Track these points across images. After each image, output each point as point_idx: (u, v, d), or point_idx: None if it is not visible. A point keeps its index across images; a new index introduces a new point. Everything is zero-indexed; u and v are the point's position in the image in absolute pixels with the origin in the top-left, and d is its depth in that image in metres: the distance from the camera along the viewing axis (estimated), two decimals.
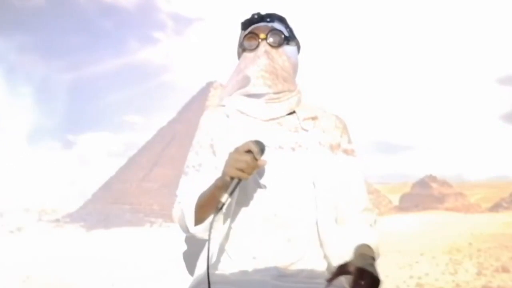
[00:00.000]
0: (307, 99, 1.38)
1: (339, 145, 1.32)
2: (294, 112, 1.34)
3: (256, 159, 1.15)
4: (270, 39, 1.30)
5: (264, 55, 1.29)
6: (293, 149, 1.28)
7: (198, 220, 1.23)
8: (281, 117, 1.31)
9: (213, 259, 1.25)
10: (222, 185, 1.17)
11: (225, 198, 1.14)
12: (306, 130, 1.31)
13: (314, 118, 1.33)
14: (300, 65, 1.39)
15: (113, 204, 55.52)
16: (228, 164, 1.15)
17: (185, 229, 1.28)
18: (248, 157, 1.14)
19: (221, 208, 1.15)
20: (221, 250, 1.26)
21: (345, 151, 1.33)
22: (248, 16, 1.37)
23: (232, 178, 1.14)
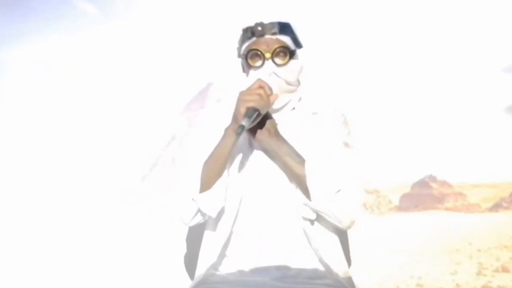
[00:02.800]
0: (309, 93, 1.37)
1: (339, 140, 1.30)
2: (294, 108, 1.33)
3: (268, 95, 1.18)
4: (276, 58, 1.26)
5: (270, 76, 1.26)
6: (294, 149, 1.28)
7: (205, 186, 1.21)
8: (282, 114, 1.30)
9: (213, 261, 1.25)
10: (232, 130, 1.17)
11: (245, 121, 1.14)
12: (307, 126, 1.30)
13: (314, 113, 1.32)
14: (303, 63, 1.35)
15: (113, 204, 55.45)
16: (241, 98, 1.17)
17: (187, 208, 1.23)
18: (261, 91, 1.17)
19: (240, 133, 1.14)
20: (222, 254, 1.26)
21: (345, 145, 1.31)
22: (250, 20, 1.31)
23: (248, 109, 1.16)
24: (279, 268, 1.23)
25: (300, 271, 1.23)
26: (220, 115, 1.32)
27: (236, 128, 1.16)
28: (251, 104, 1.16)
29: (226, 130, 1.20)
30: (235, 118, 1.18)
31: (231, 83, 1.42)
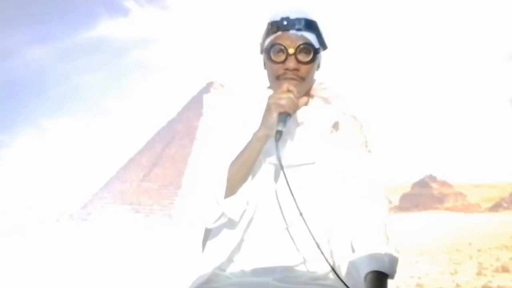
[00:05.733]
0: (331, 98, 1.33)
1: (356, 147, 1.29)
2: (307, 105, 1.31)
3: (297, 97, 1.18)
4: (299, 55, 1.22)
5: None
6: (311, 161, 1.26)
7: (230, 190, 1.20)
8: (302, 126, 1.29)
9: (219, 263, 1.25)
10: (264, 135, 1.18)
11: (281, 126, 1.15)
12: (325, 138, 1.28)
13: (335, 125, 1.29)
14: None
15: (113, 204, 55.45)
16: (272, 103, 1.17)
17: (211, 212, 1.21)
18: (290, 94, 1.17)
19: (279, 139, 1.15)
20: (230, 260, 1.26)
21: (362, 154, 1.29)
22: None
23: (280, 114, 1.16)
24: (281, 269, 1.23)
25: (303, 273, 1.23)
26: (235, 113, 1.31)
27: (268, 134, 1.17)
28: (283, 109, 1.16)
29: (255, 134, 1.19)
30: (266, 123, 1.17)
31: (242, 80, 1.39)
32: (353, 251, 1.20)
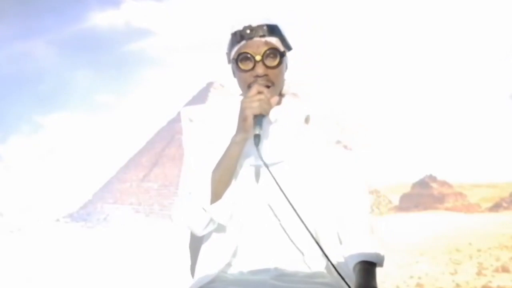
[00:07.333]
0: (301, 96, 1.36)
1: (334, 143, 1.31)
2: (280, 104, 1.32)
3: (269, 98, 1.20)
4: (267, 61, 1.24)
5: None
6: (288, 158, 1.28)
7: (215, 196, 1.23)
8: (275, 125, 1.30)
9: (220, 267, 1.26)
10: (241, 139, 1.20)
11: (258, 130, 1.18)
12: (298, 133, 1.30)
13: (307, 119, 1.32)
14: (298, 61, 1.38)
15: (113, 204, 55.45)
16: (245, 107, 1.19)
17: (199, 219, 1.24)
18: (261, 96, 1.19)
19: (258, 143, 1.17)
20: (228, 264, 1.28)
21: (341, 150, 1.31)
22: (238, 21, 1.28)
23: (255, 116, 1.18)
24: (278, 268, 1.24)
25: (299, 271, 1.25)
26: (212, 125, 1.33)
27: (246, 137, 1.19)
28: (257, 111, 1.18)
29: (233, 139, 1.21)
30: (241, 127, 1.20)
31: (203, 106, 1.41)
32: (341, 243, 1.24)
